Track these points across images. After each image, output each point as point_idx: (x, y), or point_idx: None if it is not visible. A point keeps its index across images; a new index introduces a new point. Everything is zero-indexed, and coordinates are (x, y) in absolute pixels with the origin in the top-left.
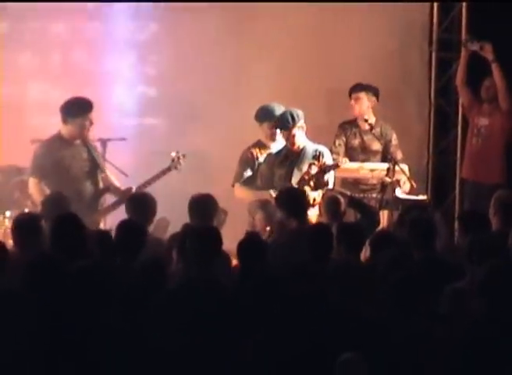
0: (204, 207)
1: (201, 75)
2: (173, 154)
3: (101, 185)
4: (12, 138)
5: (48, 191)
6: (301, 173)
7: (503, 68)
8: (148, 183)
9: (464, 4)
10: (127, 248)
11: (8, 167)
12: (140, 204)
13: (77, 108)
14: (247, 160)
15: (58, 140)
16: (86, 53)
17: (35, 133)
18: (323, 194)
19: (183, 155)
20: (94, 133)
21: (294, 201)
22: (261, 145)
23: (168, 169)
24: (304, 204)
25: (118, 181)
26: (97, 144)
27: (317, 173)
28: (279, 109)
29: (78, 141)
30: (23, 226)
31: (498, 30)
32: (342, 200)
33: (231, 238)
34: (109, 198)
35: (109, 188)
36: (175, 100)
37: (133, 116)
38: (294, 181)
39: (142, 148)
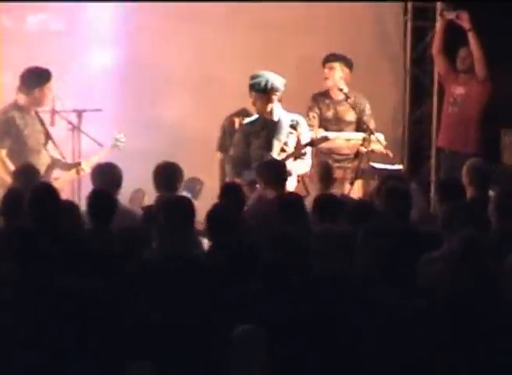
0: (168, 175)
1: (175, 44)
2: (116, 134)
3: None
4: None
5: (8, 162)
6: (280, 143)
7: (479, 37)
8: (94, 159)
9: None
10: (98, 216)
11: None
12: (106, 174)
13: (37, 79)
14: (228, 128)
15: (16, 109)
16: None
17: None
18: (315, 163)
19: (123, 135)
20: (69, 103)
21: (273, 172)
22: (244, 114)
23: (112, 148)
24: (283, 174)
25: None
26: (73, 115)
27: (305, 146)
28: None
29: (33, 112)
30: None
31: None
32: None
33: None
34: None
35: (60, 161)
36: (150, 71)
37: (109, 86)
38: (275, 151)
39: (119, 118)
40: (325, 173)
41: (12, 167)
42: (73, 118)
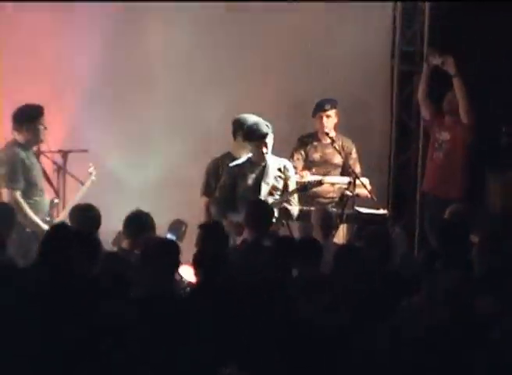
0: (137, 225)
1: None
2: (91, 169)
3: None
4: None
5: (23, 204)
6: (268, 186)
7: (464, 80)
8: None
9: (427, 16)
10: None
11: None
12: (85, 214)
13: (29, 114)
14: (214, 170)
15: (19, 146)
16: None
17: None
18: (315, 210)
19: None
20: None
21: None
22: (229, 158)
23: (90, 183)
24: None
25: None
26: (58, 156)
27: (298, 190)
28: (251, 120)
29: (34, 149)
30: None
31: (460, 41)
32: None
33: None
34: None
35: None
36: (144, 109)
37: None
38: (263, 194)
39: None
40: (325, 220)
41: (27, 209)
42: (59, 158)
